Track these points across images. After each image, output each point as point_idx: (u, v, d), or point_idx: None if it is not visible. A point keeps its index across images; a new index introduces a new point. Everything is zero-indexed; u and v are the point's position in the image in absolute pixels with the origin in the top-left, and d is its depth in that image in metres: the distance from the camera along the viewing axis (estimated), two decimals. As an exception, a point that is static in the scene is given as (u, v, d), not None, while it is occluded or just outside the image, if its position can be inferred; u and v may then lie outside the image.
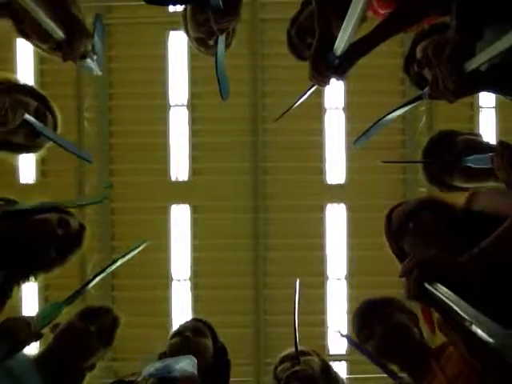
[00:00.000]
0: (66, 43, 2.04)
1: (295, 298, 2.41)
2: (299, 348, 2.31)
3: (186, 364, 2.01)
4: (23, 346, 1.98)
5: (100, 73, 2.32)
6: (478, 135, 2.53)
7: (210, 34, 2.35)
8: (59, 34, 2.00)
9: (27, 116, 2.11)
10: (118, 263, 2.42)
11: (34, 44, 2.16)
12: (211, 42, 2.41)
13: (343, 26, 1.83)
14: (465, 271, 1.49)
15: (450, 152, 2.37)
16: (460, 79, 1.81)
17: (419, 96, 2.18)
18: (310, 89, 2.41)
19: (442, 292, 1.40)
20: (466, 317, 1.25)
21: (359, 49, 1.96)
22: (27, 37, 2.12)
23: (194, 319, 2.55)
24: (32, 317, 2.02)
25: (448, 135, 2.50)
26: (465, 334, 1.32)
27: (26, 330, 1.96)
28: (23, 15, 2.01)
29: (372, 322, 2.17)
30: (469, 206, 1.96)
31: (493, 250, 1.52)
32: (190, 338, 2.33)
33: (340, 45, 1.90)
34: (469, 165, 2.28)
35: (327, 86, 2.09)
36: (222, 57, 2.43)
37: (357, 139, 2.65)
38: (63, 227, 2.24)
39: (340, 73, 2.00)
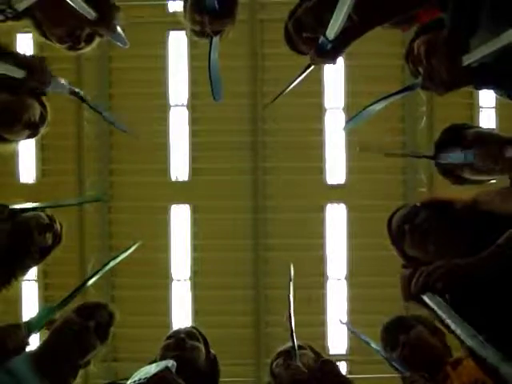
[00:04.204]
0: (100, 20, 2.08)
1: (290, 286, 2.47)
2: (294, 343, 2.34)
3: (162, 364, 2.01)
4: (12, 355, 1.99)
5: (128, 44, 2.36)
6: (489, 128, 2.54)
7: (204, 33, 2.36)
8: (92, 13, 2.04)
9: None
10: (110, 265, 2.48)
11: (51, 42, 2.21)
12: (204, 37, 2.42)
13: (336, 11, 1.84)
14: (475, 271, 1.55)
15: (460, 145, 2.39)
16: (455, 71, 1.82)
17: (411, 86, 2.19)
18: (306, 69, 2.39)
19: (435, 302, 1.50)
20: (452, 326, 1.35)
21: (351, 34, 1.97)
22: (46, 37, 2.18)
23: (190, 327, 2.58)
24: (20, 324, 2.03)
25: (459, 128, 2.51)
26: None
27: (15, 338, 1.97)
28: (42, 18, 2.07)
29: (397, 334, 2.37)
30: (474, 205, 1.97)
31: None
32: (184, 340, 2.36)
33: (333, 29, 1.91)
34: (442, 162, 2.31)
35: (330, 65, 2.11)
36: (216, 59, 2.44)
37: (346, 123, 2.70)
38: (49, 230, 2.37)
39: (332, 57, 2.02)
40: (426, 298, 1.56)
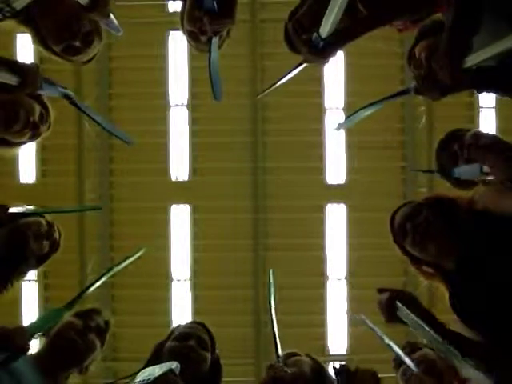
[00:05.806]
0: (93, 5, 2.09)
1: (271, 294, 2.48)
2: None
3: (165, 366, 1.98)
4: (22, 353, 2.00)
5: (121, 32, 2.36)
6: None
7: (202, 31, 2.35)
8: None
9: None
10: (115, 270, 2.48)
11: (50, 50, 2.24)
12: (203, 39, 2.40)
13: (328, 9, 1.84)
14: None
15: (461, 148, 2.39)
16: (456, 74, 1.81)
17: (405, 90, 2.20)
18: (298, 66, 2.37)
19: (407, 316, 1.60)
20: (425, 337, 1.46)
21: (343, 37, 1.98)
22: (44, 43, 2.21)
23: (198, 323, 2.46)
24: (24, 326, 2.04)
25: (460, 131, 2.51)
26: None
27: (24, 336, 1.98)
28: (40, 20, 2.09)
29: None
30: (472, 204, 1.98)
31: None
32: (194, 349, 2.27)
33: (325, 27, 1.91)
34: (456, 176, 2.32)
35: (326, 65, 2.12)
36: (216, 59, 2.43)
37: (339, 125, 2.70)
38: (47, 238, 2.37)
39: (323, 56, 2.02)
40: (400, 314, 1.69)
